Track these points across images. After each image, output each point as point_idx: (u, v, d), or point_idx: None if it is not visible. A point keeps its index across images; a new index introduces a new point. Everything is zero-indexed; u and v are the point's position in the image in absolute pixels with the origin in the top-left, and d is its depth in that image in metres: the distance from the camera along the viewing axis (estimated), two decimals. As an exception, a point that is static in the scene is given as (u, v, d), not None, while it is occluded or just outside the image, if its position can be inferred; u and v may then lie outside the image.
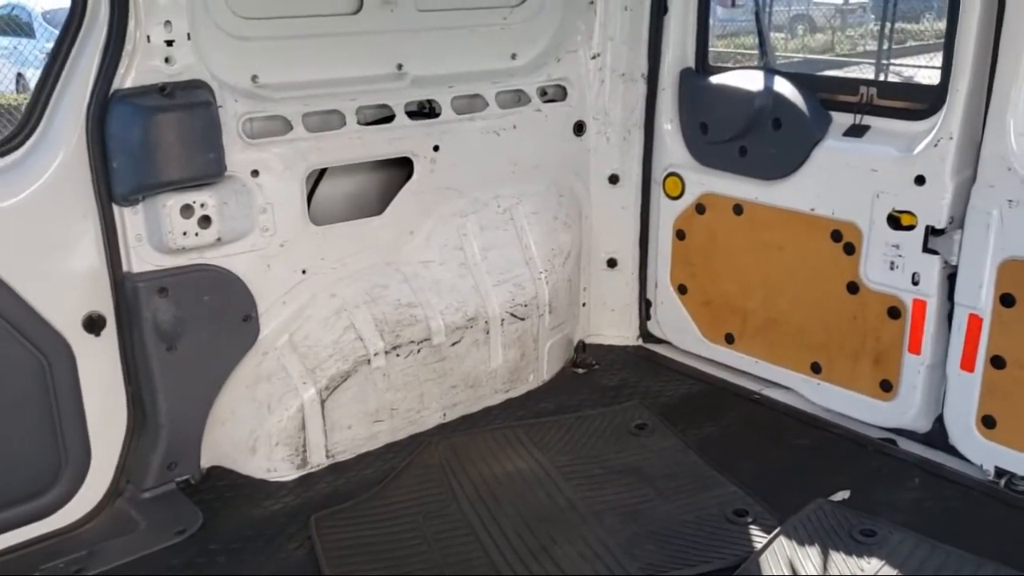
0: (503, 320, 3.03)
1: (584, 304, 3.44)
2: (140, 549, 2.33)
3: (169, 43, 2.36)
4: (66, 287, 2.34)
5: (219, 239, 2.49)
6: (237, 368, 2.61)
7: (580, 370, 3.30)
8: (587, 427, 2.89)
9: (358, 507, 2.47)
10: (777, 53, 12.88)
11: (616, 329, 3.48)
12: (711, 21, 3.28)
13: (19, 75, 11.82)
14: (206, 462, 2.64)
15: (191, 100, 2.37)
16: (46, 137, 2.29)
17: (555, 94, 3.21)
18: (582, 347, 3.39)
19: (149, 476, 2.52)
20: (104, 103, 2.30)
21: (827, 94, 2.88)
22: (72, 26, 2.32)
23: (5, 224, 2.23)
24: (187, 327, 2.49)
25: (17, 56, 11.92)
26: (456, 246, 2.99)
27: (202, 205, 2.42)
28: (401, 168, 2.91)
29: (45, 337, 2.32)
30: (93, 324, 2.40)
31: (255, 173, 2.56)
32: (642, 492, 2.54)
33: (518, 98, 3.12)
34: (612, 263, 3.43)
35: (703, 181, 3.16)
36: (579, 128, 3.27)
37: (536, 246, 3.14)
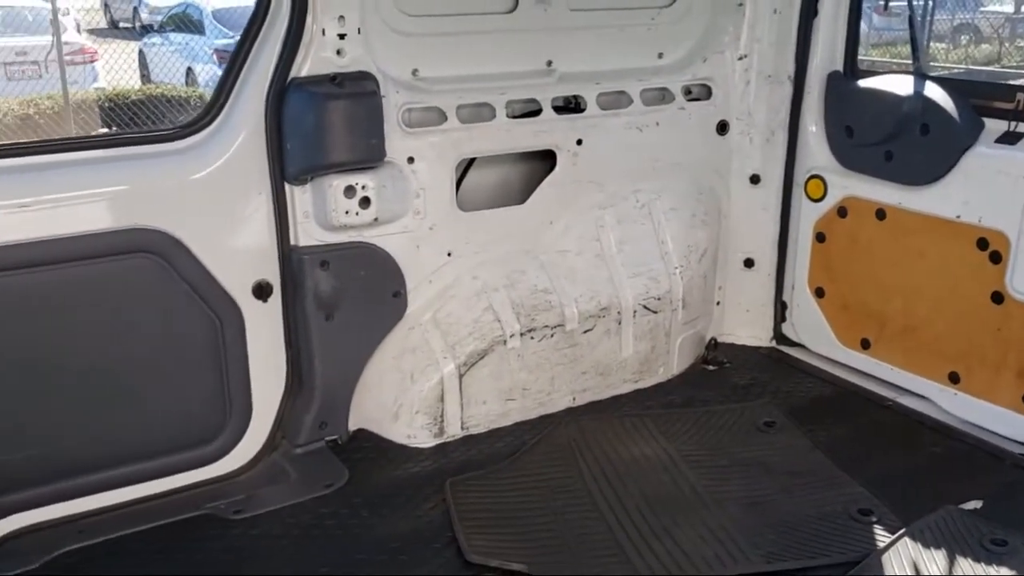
0: (635, 312, 3.13)
1: (719, 303, 3.50)
2: (291, 498, 2.56)
3: (341, 36, 2.59)
4: (240, 256, 2.60)
5: (376, 219, 2.70)
6: (385, 340, 2.83)
7: (711, 367, 3.36)
8: (715, 421, 2.96)
9: (490, 476, 2.64)
10: (936, 63, 12.37)
11: (749, 329, 3.52)
12: (863, 26, 3.27)
13: (189, 69, 12.73)
14: (353, 424, 2.86)
15: (359, 90, 2.59)
16: (230, 119, 2.56)
17: (699, 93, 3.29)
18: (714, 344, 3.45)
19: (302, 433, 2.76)
20: (282, 90, 2.55)
21: (980, 100, 2.84)
22: (257, 20, 2.58)
23: (191, 196, 2.50)
24: (344, 299, 2.72)
25: (188, 52, 12.86)
26: (593, 237, 3.12)
27: (363, 187, 2.65)
28: (544, 160, 3.07)
29: (219, 300, 2.58)
30: (261, 291, 2.65)
31: (411, 160, 2.77)
32: (766, 485, 2.59)
33: (662, 96, 3.22)
34: (749, 263, 3.47)
35: (846, 184, 3.16)
36: (722, 127, 3.34)
37: (673, 241, 3.23)
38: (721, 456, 2.74)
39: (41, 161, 2.41)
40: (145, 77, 13.23)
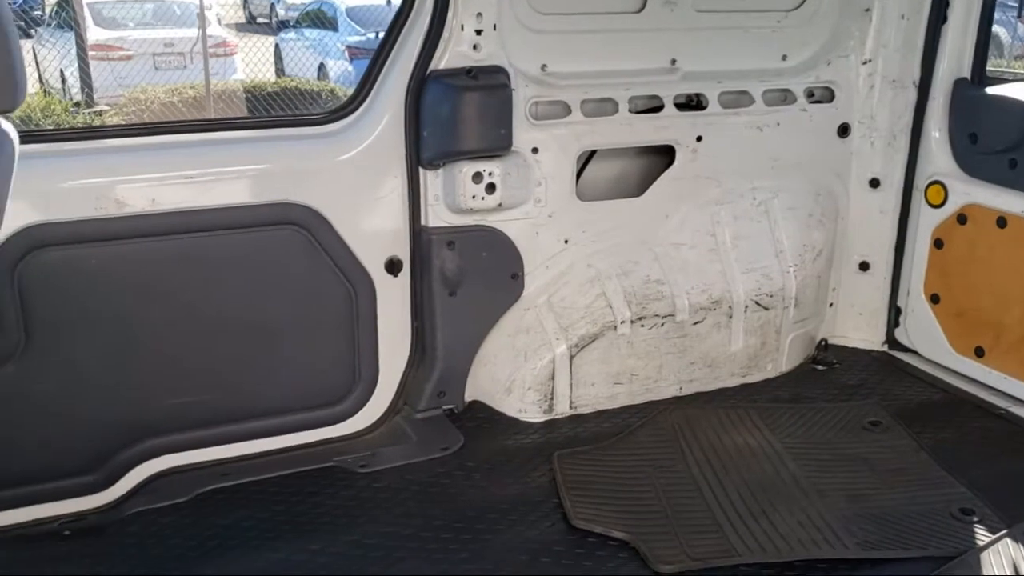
0: (747, 307, 3.24)
1: (831, 304, 3.56)
2: (411, 457, 2.80)
3: (478, 32, 2.81)
4: (375, 233, 2.85)
5: (500, 204, 2.91)
6: (502, 318, 3.03)
7: (820, 367, 3.43)
8: (820, 417, 3.04)
9: (596, 451, 2.81)
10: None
11: (862, 333, 3.57)
12: (1007, 35, 3.28)
13: (321, 64, 13.36)
14: (469, 396, 3.07)
15: (491, 83, 2.80)
16: (373, 106, 2.81)
17: (822, 96, 3.37)
18: (824, 345, 3.51)
19: (422, 400, 2.99)
20: (421, 81, 2.78)
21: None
22: (402, 16, 2.83)
23: (336, 176, 2.76)
24: (466, 277, 2.93)
25: (321, 47, 13.50)
26: (708, 232, 3.24)
27: (490, 174, 2.86)
28: (663, 155, 3.21)
29: (355, 272, 2.84)
30: (392, 266, 2.89)
31: (535, 150, 2.96)
32: (868, 480, 2.67)
33: (784, 97, 3.31)
34: (864, 266, 3.52)
35: (967, 191, 3.18)
36: (843, 130, 3.40)
37: (788, 240, 3.31)
38: (824, 450, 2.83)
39: (207, 138, 2.72)
40: (280, 71, 13.95)
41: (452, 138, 2.79)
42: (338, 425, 2.92)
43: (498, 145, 2.85)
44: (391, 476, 2.70)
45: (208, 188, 2.62)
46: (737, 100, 3.23)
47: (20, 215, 2.38)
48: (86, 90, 11.28)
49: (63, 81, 11.97)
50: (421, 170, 2.84)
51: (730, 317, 3.23)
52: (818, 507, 2.52)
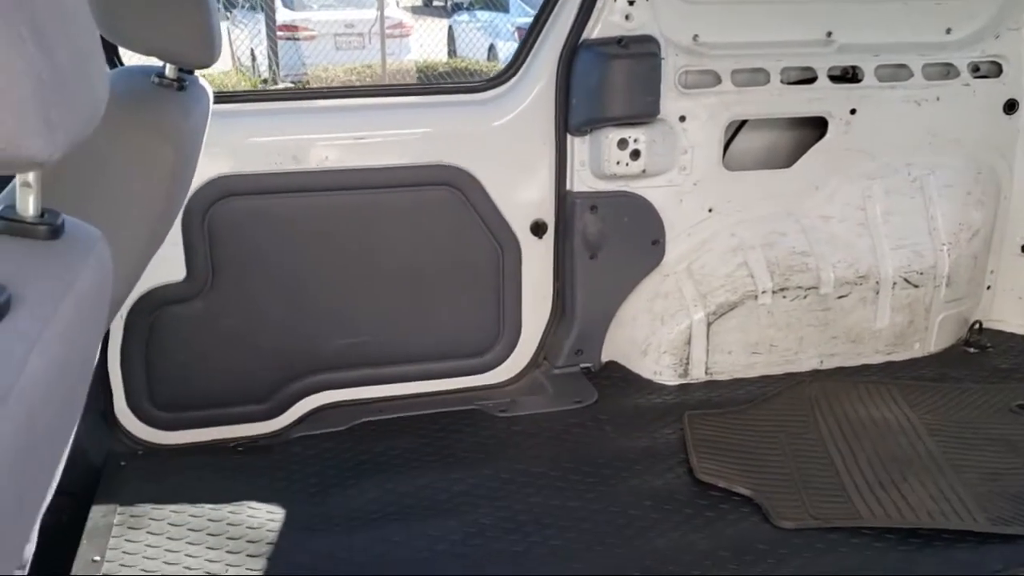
0: (895, 284, 3.21)
1: (989, 287, 3.46)
2: (547, 407, 2.98)
3: (631, 3, 2.92)
4: (523, 196, 3.03)
5: (644, 171, 3.02)
6: (642, 283, 3.15)
7: (972, 350, 3.35)
8: (965, 397, 2.99)
9: (726, 414, 2.89)
10: None
11: (1021, 318, 3.44)
12: None
13: (491, 46, 13.73)
14: (606, 356, 3.21)
15: (641, 51, 2.92)
16: (527, 74, 2.99)
17: (988, 70, 3.27)
18: (979, 328, 3.42)
19: (561, 357, 3.16)
20: (573, 50, 2.93)
21: None
22: (558, -13, 2.99)
23: (490, 140, 2.96)
24: (607, 241, 3.07)
25: (492, 29, 13.86)
26: (858, 206, 3.22)
27: (635, 140, 2.97)
28: (814, 128, 3.22)
29: (503, 233, 3.03)
30: (538, 228, 3.07)
31: (682, 119, 3.05)
32: (1008, 461, 2.62)
33: (946, 71, 3.24)
34: None
35: None
36: (1010, 107, 3.29)
37: (943, 218, 3.25)
38: (965, 429, 2.79)
39: (375, 103, 2.98)
40: (451, 52, 14.44)
41: (599, 105, 2.93)
42: (481, 375, 3.13)
43: (644, 112, 2.96)
44: (527, 422, 2.89)
45: (374, 149, 2.88)
46: (895, 74, 3.19)
47: (211, 166, 2.71)
48: (273, 68, 12.12)
49: (253, 59, 12.88)
50: (569, 136, 3.00)
51: (877, 293, 3.21)
52: (952, 482, 2.51)
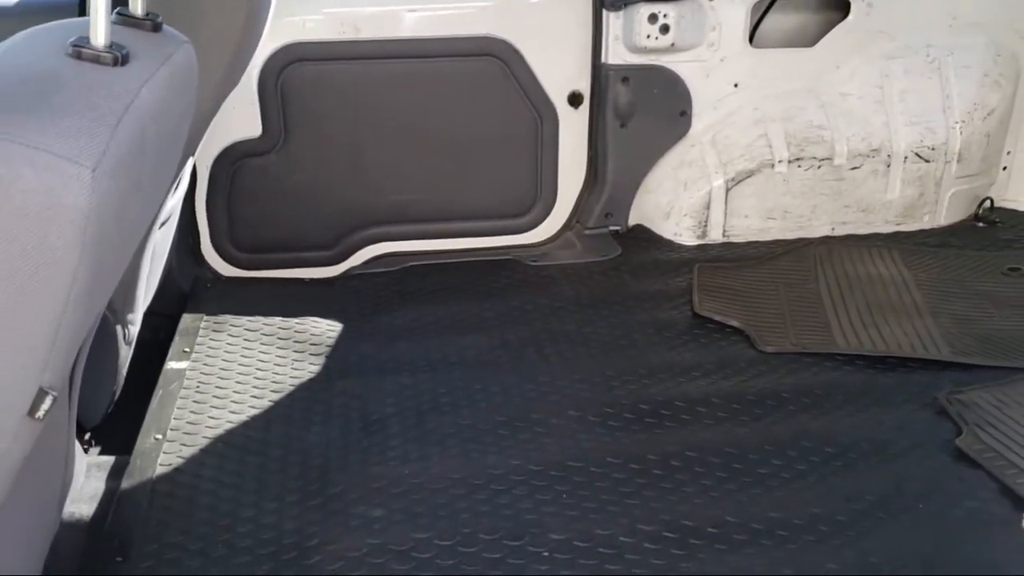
0: (906, 158, 3.48)
1: (1005, 168, 3.69)
2: (574, 259, 3.38)
3: None
4: (561, 68, 3.37)
5: (673, 45, 3.33)
6: (668, 152, 3.49)
7: (980, 224, 3.61)
8: (960, 261, 3.28)
9: (734, 266, 3.26)
10: None
11: (1036, 198, 3.68)
12: None
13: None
14: (633, 220, 3.58)
15: None
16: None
17: (1012, -46, 3.45)
18: (991, 205, 3.66)
19: (591, 219, 3.53)
20: None
21: None
22: None
23: (532, 14, 3.29)
24: (637, 111, 3.41)
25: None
26: (876, 85, 3.48)
27: (664, 16, 3.28)
28: (839, 10, 3.46)
29: (542, 102, 3.38)
30: (574, 99, 3.42)
31: (711, -2, 3.34)
32: (989, 311, 2.93)
33: (970, -45, 3.43)
34: None
35: None
36: (1033, -10, 3.47)
37: (959, 98, 3.48)
38: (953, 285, 3.10)
39: None
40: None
41: None
42: (519, 235, 3.53)
43: None
44: (554, 269, 3.31)
45: (427, 21, 3.25)
46: (918, -44, 3.40)
47: (285, 33, 3.12)
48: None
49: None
50: (604, 11, 3.32)
51: (888, 166, 3.48)
52: (927, 324, 2.84)
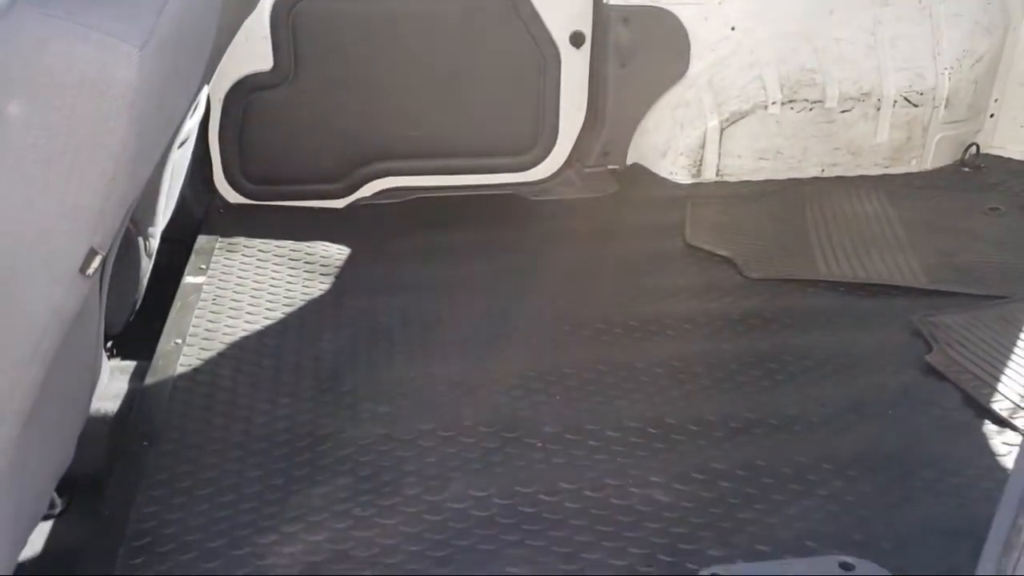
0: (895, 102, 3.61)
1: (992, 115, 3.82)
2: (572, 195, 3.53)
3: None
4: (565, 9, 3.48)
5: (672, -11, 3.46)
6: (666, 92, 3.62)
7: (966, 169, 3.74)
8: (945, 202, 3.43)
9: (725, 202, 3.41)
10: None
11: (1020, 145, 3.81)
12: None
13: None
14: (629, 159, 3.72)
15: None
16: None
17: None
18: (976, 151, 3.80)
19: (591, 158, 3.67)
20: None
21: None
22: None
23: None
24: (637, 52, 3.53)
25: None
26: (869, 31, 3.60)
27: None
28: (836, -43, 3.58)
29: (546, 42, 3.50)
30: (576, 39, 3.54)
31: (710, -61, 3.46)
32: (966, 244, 3.09)
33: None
34: None
35: None
36: (1025, -61, 3.59)
37: (948, 44, 3.61)
38: (936, 222, 3.25)
39: None
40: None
41: None
42: (521, 173, 3.66)
43: None
44: (554, 204, 3.47)
45: None
46: (912, -97, 3.51)
47: (296, -30, 3.26)
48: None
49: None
50: None
51: (878, 109, 3.61)
52: (908, 257, 3.00)
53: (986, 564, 1.38)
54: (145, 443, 2.13)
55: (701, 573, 1.76)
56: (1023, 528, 1.31)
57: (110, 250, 1.85)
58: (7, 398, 1.38)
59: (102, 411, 2.34)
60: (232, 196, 3.47)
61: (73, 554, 1.95)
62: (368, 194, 3.55)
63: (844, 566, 1.79)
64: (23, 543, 1.76)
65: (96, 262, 1.36)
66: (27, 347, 1.35)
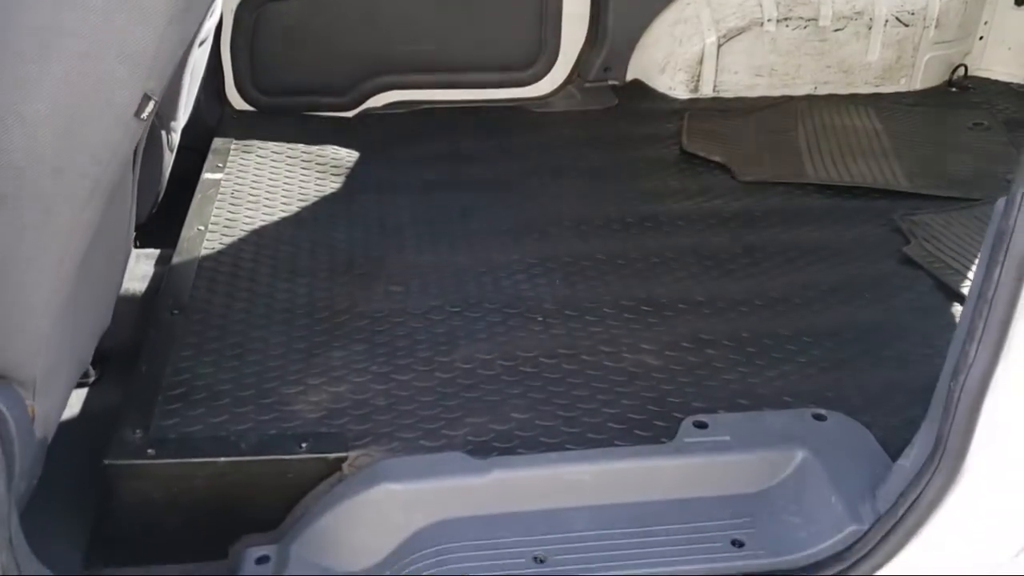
0: (887, 21, 3.75)
1: (981, 38, 3.96)
2: (574, 107, 3.68)
3: None
4: (568, -76, 3.63)
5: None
6: (666, 9, 3.76)
7: (954, 89, 3.90)
8: (931, 117, 3.59)
9: (721, 115, 3.56)
10: None
11: (1007, 67, 3.95)
12: None
13: None
14: (629, 75, 3.86)
15: None
16: None
17: None
18: (964, 72, 3.94)
19: (592, 73, 3.81)
20: None
21: None
22: None
23: None
24: (638, -30, 3.67)
25: None
26: (863, -51, 3.74)
27: None
28: None
29: (547, -42, 3.64)
30: None
31: None
32: (944, 156, 3.26)
33: None
34: (1020, 1, 3.86)
35: None
36: None
37: (940, -36, 3.75)
38: (919, 134, 3.42)
39: None
40: None
41: None
42: (524, 88, 3.81)
43: None
44: (556, 115, 3.63)
45: None
46: None
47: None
48: None
49: None
50: None
51: (870, 28, 3.75)
52: (891, 164, 3.17)
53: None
54: (176, 311, 2.32)
55: (685, 419, 1.96)
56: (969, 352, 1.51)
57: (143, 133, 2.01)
58: (68, 235, 1.55)
59: (131, 291, 2.52)
60: (242, 106, 3.61)
61: (110, 413, 2.14)
62: (376, 106, 3.70)
63: (817, 417, 1.98)
64: (67, 396, 1.95)
65: (150, 107, 1.52)
66: (88, 185, 1.52)
